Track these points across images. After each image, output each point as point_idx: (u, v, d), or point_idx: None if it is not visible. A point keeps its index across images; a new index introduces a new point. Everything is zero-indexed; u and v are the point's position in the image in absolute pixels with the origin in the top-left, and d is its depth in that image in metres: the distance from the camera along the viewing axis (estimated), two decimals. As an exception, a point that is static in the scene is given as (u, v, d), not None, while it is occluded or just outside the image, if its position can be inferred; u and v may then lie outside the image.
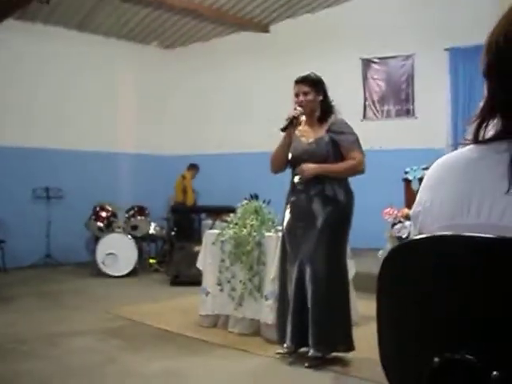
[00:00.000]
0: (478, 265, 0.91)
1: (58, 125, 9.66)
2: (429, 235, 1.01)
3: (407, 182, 6.89)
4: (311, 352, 4.01)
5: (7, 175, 9.05)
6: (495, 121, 1.03)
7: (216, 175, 10.31)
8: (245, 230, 4.95)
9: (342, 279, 4.15)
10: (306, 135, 4.23)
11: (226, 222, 5.29)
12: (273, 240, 4.81)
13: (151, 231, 9.30)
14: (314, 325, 3.98)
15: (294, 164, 4.20)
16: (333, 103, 4.25)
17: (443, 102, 9.04)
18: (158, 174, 10.54)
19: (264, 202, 5.21)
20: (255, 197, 5.28)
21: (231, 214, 5.29)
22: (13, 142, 9.10)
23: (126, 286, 7.65)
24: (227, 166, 10.44)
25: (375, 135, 8.72)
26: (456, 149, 1.12)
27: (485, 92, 1.05)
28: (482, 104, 1.05)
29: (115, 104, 10.40)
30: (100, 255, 8.34)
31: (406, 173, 6.88)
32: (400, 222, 5.95)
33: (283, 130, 4.13)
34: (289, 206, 4.23)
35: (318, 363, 4.04)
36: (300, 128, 4.24)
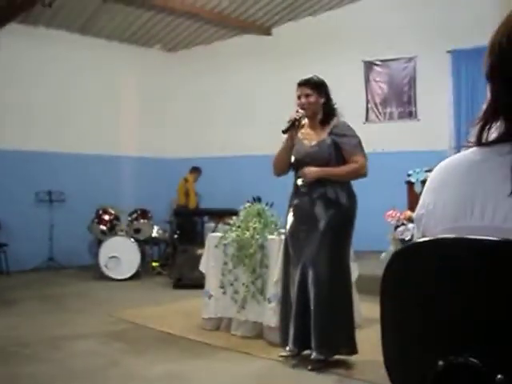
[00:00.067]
0: (482, 267, 0.91)
1: (61, 128, 9.68)
2: (432, 238, 1.01)
3: (410, 184, 6.88)
4: (314, 355, 4.00)
5: (10, 179, 9.07)
6: (498, 123, 1.03)
7: (218, 178, 10.32)
8: (247, 233, 4.95)
9: (344, 282, 4.14)
10: (309, 138, 4.22)
11: (229, 224, 5.29)
12: (276, 243, 4.80)
13: (154, 234, 9.32)
14: (317, 328, 3.98)
15: (297, 167, 4.20)
16: (335, 106, 4.25)
17: (445, 104, 9.04)
18: (161, 177, 10.55)
19: (267, 204, 5.20)
20: (258, 199, 5.28)
21: (234, 217, 5.28)
22: (16, 145, 9.11)
23: (129, 289, 7.65)
24: (230, 169, 10.45)
25: (378, 137, 8.71)
26: (459, 151, 1.12)
27: (488, 94, 1.05)
28: (485, 106, 1.05)
29: (118, 107, 10.42)
30: (103, 258, 8.34)
31: (409, 175, 6.87)
32: (403, 224, 5.93)
33: (285, 131, 4.13)
34: (292, 209, 4.22)
35: (321, 366, 4.02)
36: (302, 131, 4.24)
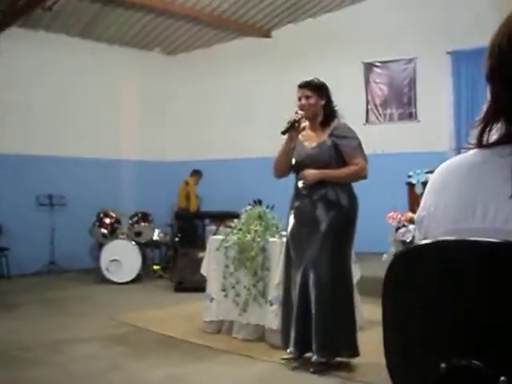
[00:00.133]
0: (483, 269, 0.91)
1: (61, 132, 9.69)
2: (433, 240, 1.01)
3: (410, 185, 6.87)
4: (315, 357, 4.00)
5: (11, 183, 9.08)
6: (499, 125, 1.03)
7: (219, 181, 10.32)
8: (249, 236, 4.95)
9: (346, 284, 4.14)
10: (309, 140, 4.23)
11: (230, 227, 5.28)
12: (277, 245, 4.80)
13: (155, 237, 9.32)
14: (318, 330, 3.97)
15: (298, 169, 4.20)
16: (336, 108, 4.25)
17: (445, 105, 9.03)
18: (161, 180, 10.54)
19: (268, 207, 5.20)
20: (259, 202, 5.28)
21: (235, 220, 5.28)
22: (16, 149, 9.12)
23: (130, 293, 7.64)
24: (230, 172, 10.44)
25: (378, 139, 8.72)
26: (459, 153, 1.12)
27: (488, 96, 1.05)
28: (485, 108, 1.05)
29: (118, 111, 10.42)
30: (104, 262, 8.34)
31: (410, 177, 6.86)
32: (404, 225, 5.92)
33: (284, 132, 4.14)
34: (293, 211, 4.22)
35: (323, 368, 4.02)
36: (303, 133, 4.25)
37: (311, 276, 4.01)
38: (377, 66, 9.78)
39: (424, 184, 6.29)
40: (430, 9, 8.92)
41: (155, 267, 9.17)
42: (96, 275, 8.46)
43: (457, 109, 9.01)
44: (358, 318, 4.43)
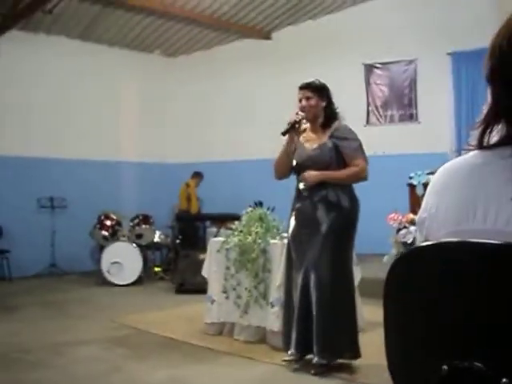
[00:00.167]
0: (484, 271, 0.91)
1: (61, 134, 9.69)
2: (435, 242, 1.01)
3: (411, 186, 6.87)
4: (315, 359, 3.99)
5: (12, 185, 9.08)
6: (500, 126, 1.03)
7: (220, 183, 10.32)
8: (250, 238, 4.94)
9: (347, 286, 4.13)
10: (310, 141, 4.23)
11: (231, 229, 5.28)
12: (278, 247, 4.80)
13: (156, 239, 9.32)
14: (319, 332, 3.97)
15: (299, 170, 4.20)
16: (337, 110, 4.25)
17: (446, 106, 9.03)
18: (162, 182, 10.55)
19: (268, 209, 5.20)
20: (260, 204, 5.28)
21: (236, 222, 5.29)
22: (17, 151, 9.12)
23: (131, 295, 7.64)
24: (231, 174, 10.45)
25: (379, 140, 8.72)
26: (460, 154, 1.12)
27: (488, 97, 1.05)
28: (485, 109, 1.05)
29: (118, 113, 10.44)
30: (105, 264, 8.34)
31: (411, 178, 6.85)
32: (405, 227, 5.92)
33: (284, 133, 4.14)
34: (294, 212, 4.22)
35: (324, 370, 4.01)
36: (304, 135, 4.25)
37: (312, 277, 4.01)
38: (377, 68, 9.78)
39: (425, 185, 6.28)
40: (431, 10, 8.92)
41: (156, 269, 9.17)
42: (97, 277, 8.46)
43: (457, 110, 9.00)
44: (359, 319, 4.43)
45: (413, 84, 9.49)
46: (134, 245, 8.60)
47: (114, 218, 8.94)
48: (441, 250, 0.98)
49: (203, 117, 11.14)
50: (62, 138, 9.68)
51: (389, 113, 9.74)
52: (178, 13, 9.45)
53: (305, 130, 4.26)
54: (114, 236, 8.80)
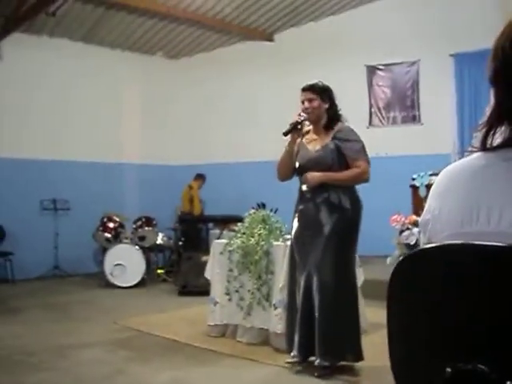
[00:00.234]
0: (487, 273, 0.91)
1: (64, 136, 9.70)
2: (438, 244, 1.01)
3: (414, 188, 6.86)
4: (318, 361, 3.98)
5: (14, 187, 9.09)
6: (503, 128, 1.02)
7: (222, 185, 10.32)
8: (252, 240, 4.94)
9: (349, 288, 4.12)
10: (313, 143, 4.23)
11: (234, 231, 5.28)
12: (281, 249, 4.80)
13: (159, 241, 9.32)
14: (321, 334, 3.96)
15: (301, 172, 4.20)
16: (340, 112, 4.25)
17: (449, 107, 9.02)
18: (165, 184, 10.56)
19: (271, 210, 5.20)
20: (262, 206, 5.28)
21: (239, 224, 5.28)
22: (20, 154, 9.14)
23: (134, 297, 7.65)
24: (233, 176, 10.45)
25: (381, 142, 8.71)
26: (463, 155, 1.12)
27: (491, 99, 1.05)
28: (489, 111, 1.05)
29: (121, 115, 10.45)
30: (108, 266, 8.34)
31: (414, 179, 6.85)
32: (408, 228, 5.91)
33: (285, 134, 4.14)
34: (297, 214, 4.22)
35: (327, 372, 4.01)
36: (307, 136, 4.25)
37: (315, 280, 4.00)
38: (380, 69, 9.77)
39: (428, 187, 6.27)
40: (433, 11, 8.92)
41: (159, 271, 9.17)
42: (100, 280, 8.46)
43: (460, 111, 8.99)
44: (362, 321, 4.43)
45: (415, 85, 9.48)
46: (137, 247, 8.60)
47: (117, 220, 8.95)
48: (444, 251, 0.98)
49: (205, 119, 11.15)
50: (64, 140, 9.69)
51: (391, 114, 9.73)
52: (181, 15, 9.45)
53: (308, 131, 4.27)
54: (117, 238, 8.80)
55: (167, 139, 11.04)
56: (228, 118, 10.88)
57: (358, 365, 4.12)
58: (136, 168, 10.50)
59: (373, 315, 4.89)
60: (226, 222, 7.70)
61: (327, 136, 4.19)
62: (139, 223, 9.10)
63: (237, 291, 5.03)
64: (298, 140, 4.25)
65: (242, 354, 4.65)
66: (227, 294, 5.10)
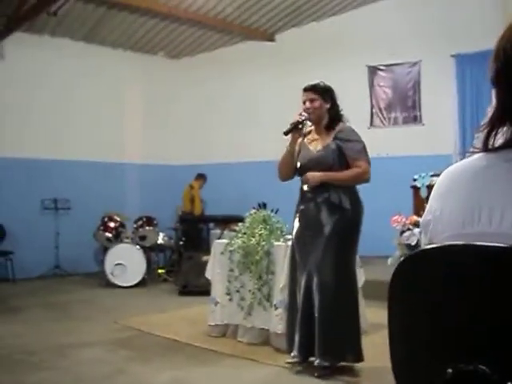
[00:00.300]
0: (489, 274, 0.91)
1: (65, 136, 9.71)
2: (439, 245, 1.01)
3: (415, 189, 6.85)
4: (317, 361, 3.98)
5: (15, 187, 9.11)
6: (505, 129, 1.02)
7: (223, 185, 10.32)
8: (253, 240, 4.94)
9: (350, 288, 4.12)
10: (315, 143, 4.23)
11: (235, 231, 5.28)
12: (282, 249, 4.79)
13: (159, 241, 9.32)
14: (321, 335, 3.96)
15: (302, 172, 4.19)
16: (342, 112, 4.25)
17: (450, 108, 9.02)
18: (166, 184, 10.56)
19: (272, 210, 5.20)
20: (263, 206, 5.27)
21: (239, 224, 5.28)
22: (21, 153, 9.15)
23: (135, 297, 7.65)
24: (235, 176, 10.45)
25: (382, 142, 8.71)
26: (464, 156, 1.12)
27: (493, 99, 1.05)
28: (490, 112, 1.05)
29: (122, 114, 10.46)
30: (108, 266, 8.34)
31: (415, 180, 6.84)
32: (409, 229, 5.91)
33: (286, 133, 4.14)
34: (297, 214, 4.22)
35: (327, 373, 4.00)
36: (309, 137, 4.25)
37: (315, 280, 4.00)
38: (381, 70, 9.77)
39: (429, 187, 6.27)
40: (434, 11, 8.92)
41: (160, 271, 9.17)
42: (100, 279, 8.46)
43: (461, 112, 8.99)
44: (362, 321, 4.42)
45: (417, 86, 9.48)
46: (138, 246, 8.60)
47: (118, 219, 8.95)
48: (445, 252, 0.98)
49: (207, 118, 11.15)
50: (65, 140, 9.70)
51: (393, 115, 9.73)
52: (182, 15, 9.46)
53: (309, 132, 4.27)
54: (118, 238, 8.81)
55: (168, 139, 11.04)
56: (229, 118, 10.88)
57: (358, 365, 4.12)
58: (137, 168, 10.50)
59: (373, 316, 4.89)
60: (227, 221, 7.70)
61: (328, 136, 4.18)
62: (140, 223, 9.10)
63: (237, 291, 5.03)
64: (300, 140, 4.25)
65: (243, 354, 4.65)
66: (228, 293, 5.09)
